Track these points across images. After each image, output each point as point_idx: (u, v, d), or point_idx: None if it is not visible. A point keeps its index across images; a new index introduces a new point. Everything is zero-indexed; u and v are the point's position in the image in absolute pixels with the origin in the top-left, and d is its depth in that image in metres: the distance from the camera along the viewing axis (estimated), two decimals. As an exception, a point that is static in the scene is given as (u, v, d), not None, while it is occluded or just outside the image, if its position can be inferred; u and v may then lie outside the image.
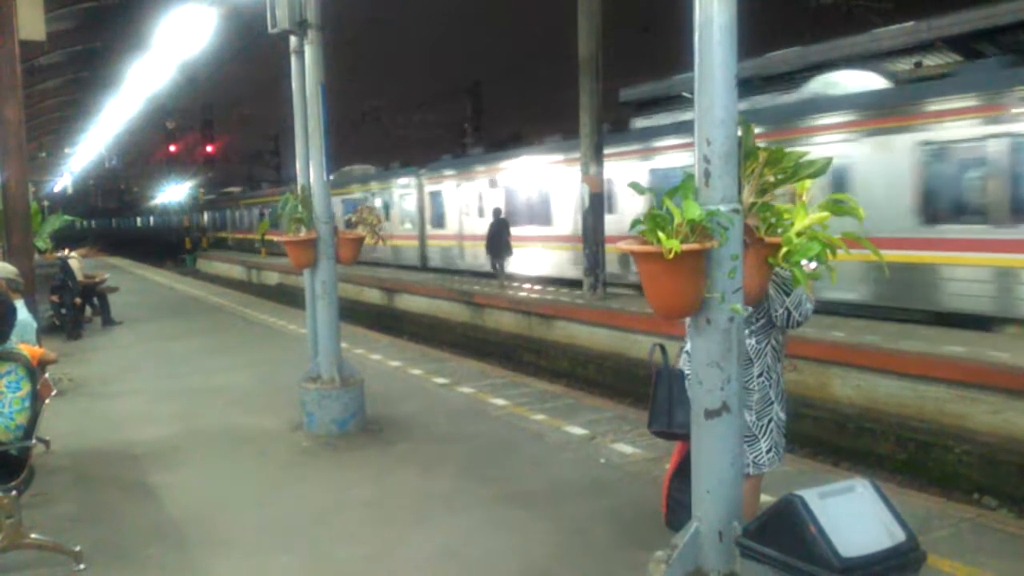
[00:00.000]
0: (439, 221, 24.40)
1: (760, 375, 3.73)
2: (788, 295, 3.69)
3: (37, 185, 41.82)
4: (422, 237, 25.40)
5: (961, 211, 10.91)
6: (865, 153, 11.62)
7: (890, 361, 9.39)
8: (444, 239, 24.10)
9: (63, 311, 12.92)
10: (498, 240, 18.44)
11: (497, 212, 19.20)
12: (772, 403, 3.74)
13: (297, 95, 7.05)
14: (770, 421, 3.73)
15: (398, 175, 26.99)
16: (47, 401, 4.48)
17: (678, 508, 4.43)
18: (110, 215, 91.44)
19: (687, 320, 3.35)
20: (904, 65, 13.51)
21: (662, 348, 3.97)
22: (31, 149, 25.01)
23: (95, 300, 14.48)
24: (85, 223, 79.58)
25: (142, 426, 7.27)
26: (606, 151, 15.44)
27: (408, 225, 25.96)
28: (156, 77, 16.94)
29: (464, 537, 4.61)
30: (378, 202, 27.35)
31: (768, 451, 3.73)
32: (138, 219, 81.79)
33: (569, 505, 5.02)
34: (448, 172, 23.97)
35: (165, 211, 66.69)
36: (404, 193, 26.30)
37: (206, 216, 51.30)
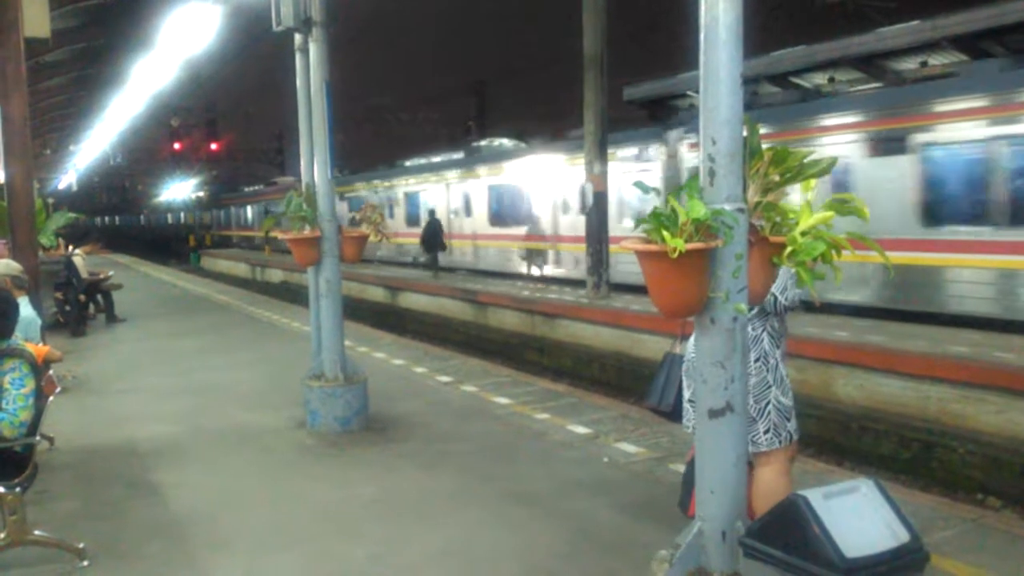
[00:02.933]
0: None
1: (757, 360, 3.79)
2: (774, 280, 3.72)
3: (42, 182, 41.91)
4: None
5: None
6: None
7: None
8: None
9: (67, 308, 12.95)
10: (433, 237, 21.42)
11: (432, 212, 21.74)
12: (770, 387, 3.79)
13: (302, 93, 7.04)
14: (767, 404, 3.78)
15: (623, 143, 17.18)
16: (51, 398, 4.49)
17: (684, 492, 4.46)
18: (115, 212, 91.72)
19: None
20: (909, 64, 13.44)
21: (683, 339, 4.06)
22: (36, 146, 25.03)
23: (99, 297, 14.50)
24: (101, 220, 79.29)
25: (146, 423, 7.28)
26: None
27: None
28: (161, 75, 17.00)
29: (467, 535, 4.61)
30: (568, 185, 18.47)
31: (766, 432, 3.77)
32: (142, 217, 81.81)
33: (572, 504, 5.02)
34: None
35: (170, 208, 66.67)
36: (637, 169, 16.69)
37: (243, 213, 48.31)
